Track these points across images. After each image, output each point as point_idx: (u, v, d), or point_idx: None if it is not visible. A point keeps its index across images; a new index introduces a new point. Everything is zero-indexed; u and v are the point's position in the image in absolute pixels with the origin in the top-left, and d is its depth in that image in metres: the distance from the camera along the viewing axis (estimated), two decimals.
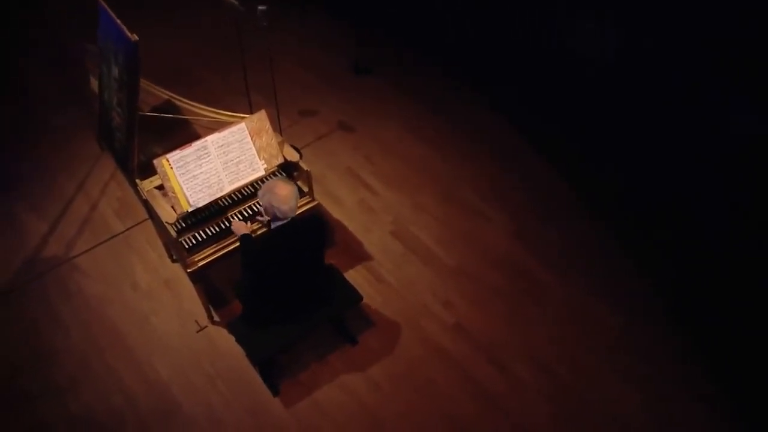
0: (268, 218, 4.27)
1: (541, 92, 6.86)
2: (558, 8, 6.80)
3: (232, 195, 4.83)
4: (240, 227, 4.45)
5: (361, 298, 4.71)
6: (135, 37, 4.49)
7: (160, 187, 4.73)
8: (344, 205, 5.91)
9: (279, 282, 4.27)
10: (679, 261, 5.41)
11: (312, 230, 4.32)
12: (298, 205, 4.86)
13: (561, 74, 6.87)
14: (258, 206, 4.73)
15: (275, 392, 4.74)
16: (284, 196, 4.10)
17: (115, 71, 5.05)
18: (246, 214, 4.77)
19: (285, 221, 4.16)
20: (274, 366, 4.81)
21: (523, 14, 7.14)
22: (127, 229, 5.82)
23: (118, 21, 4.74)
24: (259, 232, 4.61)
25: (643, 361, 4.85)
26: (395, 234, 5.67)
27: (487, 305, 5.19)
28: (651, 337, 4.97)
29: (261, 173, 4.82)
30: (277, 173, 4.95)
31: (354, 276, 5.26)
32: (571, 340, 4.98)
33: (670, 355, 4.88)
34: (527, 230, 5.67)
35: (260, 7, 5.24)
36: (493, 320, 5.10)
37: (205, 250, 4.66)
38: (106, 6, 4.98)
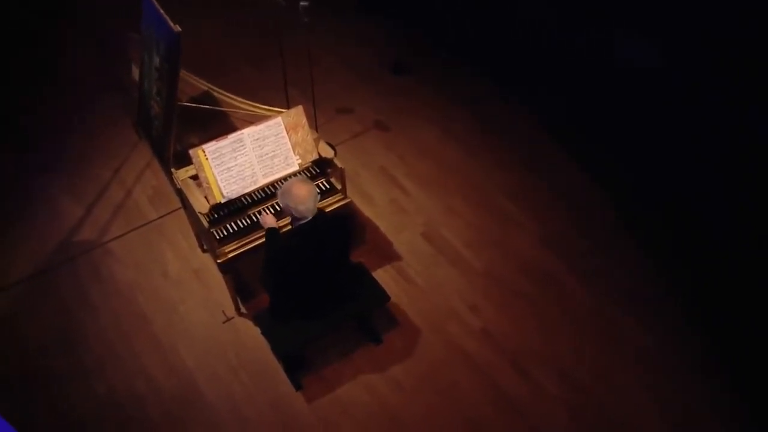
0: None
1: (581, 101, 6.79)
2: (599, 16, 6.74)
3: (265, 189, 4.85)
4: (268, 220, 4.47)
5: (389, 298, 4.71)
6: (177, 28, 4.54)
7: (195, 177, 4.77)
8: (376, 204, 5.91)
9: (301, 279, 4.29)
10: (714, 280, 5.31)
11: (336, 229, 4.34)
12: (331, 202, 4.91)
13: (601, 84, 6.80)
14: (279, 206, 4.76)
15: (298, 387, 4.76)
16: (301, 197, 4.11)
17: (156, 61, 5.11)
18: (278, 209, 4.79)
19: (307, 220, 4.17)
20: (298, 360, 4.83)
21: (564, 22, 7.09)
22: (160, 217, 5.89)
23: (162, 11, 4.80)
24: (286, 229, 4.63)
25: (668, 375, 4.78)
26: (425, 235, 5.66)
27: (514, 311, 5.16)
28: (678, 353, 4.90)
29: (295, 168, 4.84)
30: (311, 169, 4.97)
31: (382, 275, 5.26)
32: (596, 350, 4.93)
33: (697, 371, 4.81)
34: (558, 238, 5.62)
35: (302, 3, 5.27)
36: (519, 326, 5.07)
37: (235, 242, 4.69)
38: None
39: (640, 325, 5.05)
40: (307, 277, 4.28)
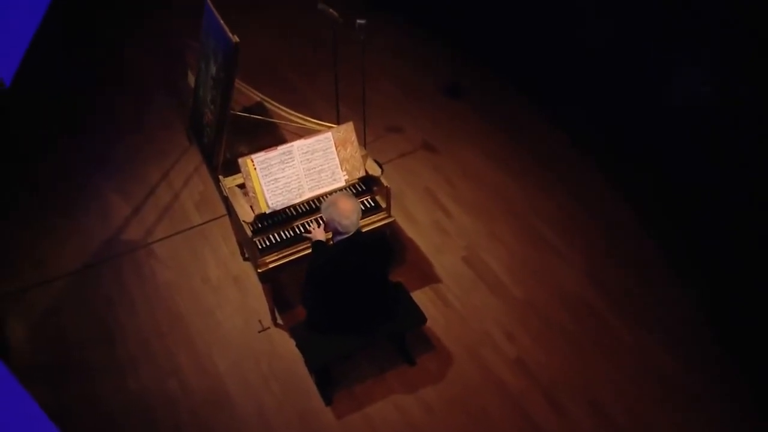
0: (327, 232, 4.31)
1: (631, 135, 6.72)
2: (652, 49, 6.69)
3: (311, 202, 4.88)
4: (318, 233, 4.50)
5: (425, 320, 4.69)
6: (236, 39, 4.60)
7: (242, 186, 4.82)
8: (419, 224, 5.91)
9: (339, 295, 4.31)
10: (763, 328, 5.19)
11: (376, 250, 4.35)
12: (374, 219, 4.92)
13: (653, 117, 6.73)
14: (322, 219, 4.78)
15: (328, 401, 4.76)
16: (347, 210, 4.13)
17: (213, 69, 5.18)
18: (321, 222, 4.81)
19: (347, 236, 4.19)
20: (330, 375, 4.83)
21: (613, 54, 7.06)
22: (205, 223, 5.96)
23: (221, 21, 4.87)
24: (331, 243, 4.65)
25: (705, 420, 4.68)
26: (466, 259, 5.64)
27: (551, 342, 5.10)
28: (719, 401, 4.78)
29: (341, 184, 4.86)
30: (357, 186, 4.99)
31: (420, 297, 5.24)
32: (633, 388, 4.83)
33: (736, 418, 4.69)
34: (600, 272, 5.55)
35: (359, 21, 5.31)
36: (554, 358, 5.00)
37: (277, 253, 4.72)
38: (211, 5, 5.13)
39: (682, 370, 4.94)
40: (346, 292, 4.29)
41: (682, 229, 5.87)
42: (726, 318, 5.24)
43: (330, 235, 4.53)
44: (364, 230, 4.52)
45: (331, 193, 4.85)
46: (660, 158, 6.47)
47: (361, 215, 4.27)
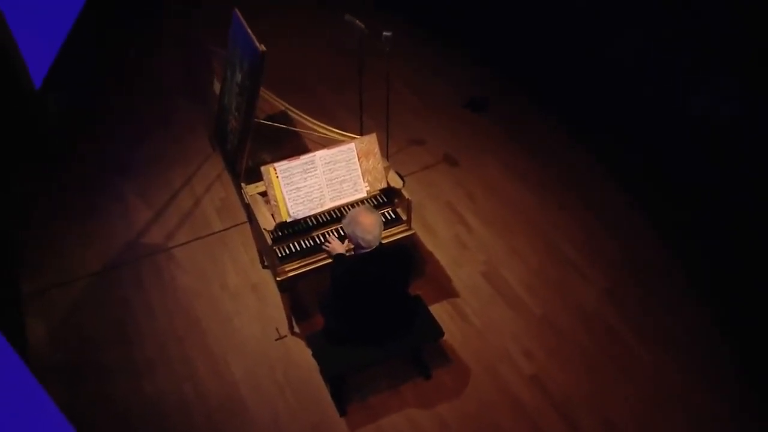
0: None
1: (655, 155, 6.68)
2: (681, 69, 6.66)
3: (331, 212, 4.89)
4: (337, 246, 4.50)
5: (442, 334, 4.67)
6: (263, 48, 4.64)
7: (263, 194, 4.84)
8: (439, 237, 5.90)
9: (359, 307, 4.30)
10: None
11: (397, 262, 4.33)
12: (394, 232, 4.92)
13: (678, 135, 6.69)
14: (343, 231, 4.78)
15: (342, 412, 4.74)
16: (369, 225, 4.12)
17: (239, 77, 5.22)
18: (342, 233, 4.82)
19: (369, 249, 4.19)
20: (345, 386, 4.82)
21: (640, 72, 7.03)
22: (225, 229, 5.99)
23: (249, 30, 4.92)
24: (351, 254, 4.64)
25: None
26: (485, 274, 5.62)
27: (568, 361, 5.06)
28: (737, 422, 4.71)
29: (363, 195, 4.87)
30: (378, 197, 4.99)
31: (438, 310, 5.22)
32: (649, 409, 4.77)
33: None
34: (620, 292, 5.50)
35: (385, 33, 5.33)
36: (572, 377, 4.96)
37: (296, 262, 4.73)
38: (239, 14, 5.17)
39: (702, 397, 4.87)
40: (365, 302, 4.28)
41: (704, 251, 5.81)
42: (746, 341, 5.17)
43: (349, 246, 4.54)
44: (384, 242, 4.51)
45: (352, 203, 4.86)
46: (685, 179, 6.42)
47: (383, 229, 4.27)
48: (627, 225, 6.04)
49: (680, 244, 5.86)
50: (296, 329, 5.21)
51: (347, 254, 4.50)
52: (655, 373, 4.98)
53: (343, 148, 4.76)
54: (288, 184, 4.66)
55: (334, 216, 4.90)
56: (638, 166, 6.58)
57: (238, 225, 5.99)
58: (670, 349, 5.11)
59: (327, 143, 5.03)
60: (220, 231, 5.99)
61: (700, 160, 6.51)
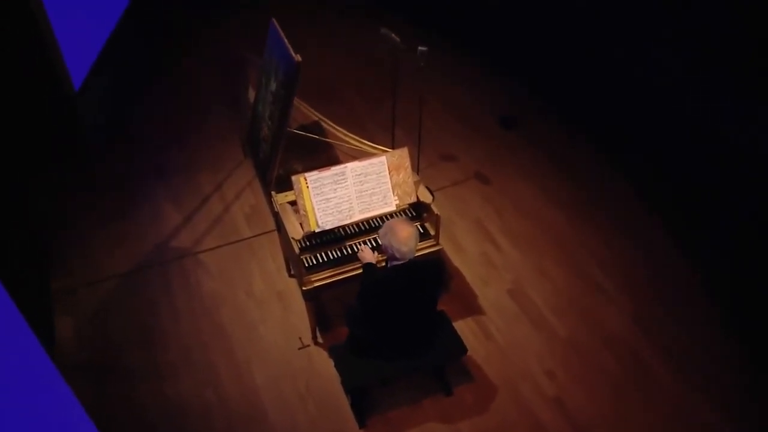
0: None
1: (686, 176, 6.61)
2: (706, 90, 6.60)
3: (360, 224, 4.90)
4: (367, 255, 4.50)
5: (466, 351, 4.65)
6: (298, 57, 4.67)
7: (293, 203, 4.87)
8: (466, 254, 5.88)
9: (387, 319, 4.29)
10: None
11: (430, 275, 4.32)
12: (422, 247, 4.91)
13: (715, 162, 6.62)
14: (376, 242, 4.78)
15: (361, 424, 4.73)
16: (405, 237, 4.11)
17: (273, 86, 5.26)
18: (372, 245, 4.83)
19: (402, 262, 4.18)
20: (366, 398, 4.81)
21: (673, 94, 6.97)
22: (254, 236, 6.03)
23: (285, 39, 4.95)
24: (382, 265, 4.64)
25: None
26: (511, 293, 5.58)
27: (592, 384, 5.00)
28: None
29: (392, 208, 4.87)
30: (407, 211, 4.99)
31: (462, 327, 5.20)
32: None
33: None
34: (646, 316, 5.43)
35: (421, 48, 5.33)
36: (594, 401, 4.90)
37: (323, 272, 4.74)
38: (276, 23, 5.22)
39: (721, 417, 4.79)
40: (394, 318, 4.28)
41: (736, 279, 5.72)
42: None
43: (379, 257, 4.53)
44: None
45: (381, 217, 4.86)
46: (720, 204, 6.34)
47: (418, 241, 4.26)
48: (658, 250, 5.97)
49: (712, 272, 5.78)
50: (320, 339, 5.21)
51: (378, 265, 4.50)
52: (680, 401, 4.90)
53: (374, 160, 4.77)
54: (318, 194, 4.68)
55: (363, 228, 4.91)
56: (673, 193, 6.51)
57: (266, 233, 6.02)
58: (697, 378, 5.03)
59: (358, 155, 5.05)
60: (248, 238, 6.02)
61: (737, 187, 6.42)
